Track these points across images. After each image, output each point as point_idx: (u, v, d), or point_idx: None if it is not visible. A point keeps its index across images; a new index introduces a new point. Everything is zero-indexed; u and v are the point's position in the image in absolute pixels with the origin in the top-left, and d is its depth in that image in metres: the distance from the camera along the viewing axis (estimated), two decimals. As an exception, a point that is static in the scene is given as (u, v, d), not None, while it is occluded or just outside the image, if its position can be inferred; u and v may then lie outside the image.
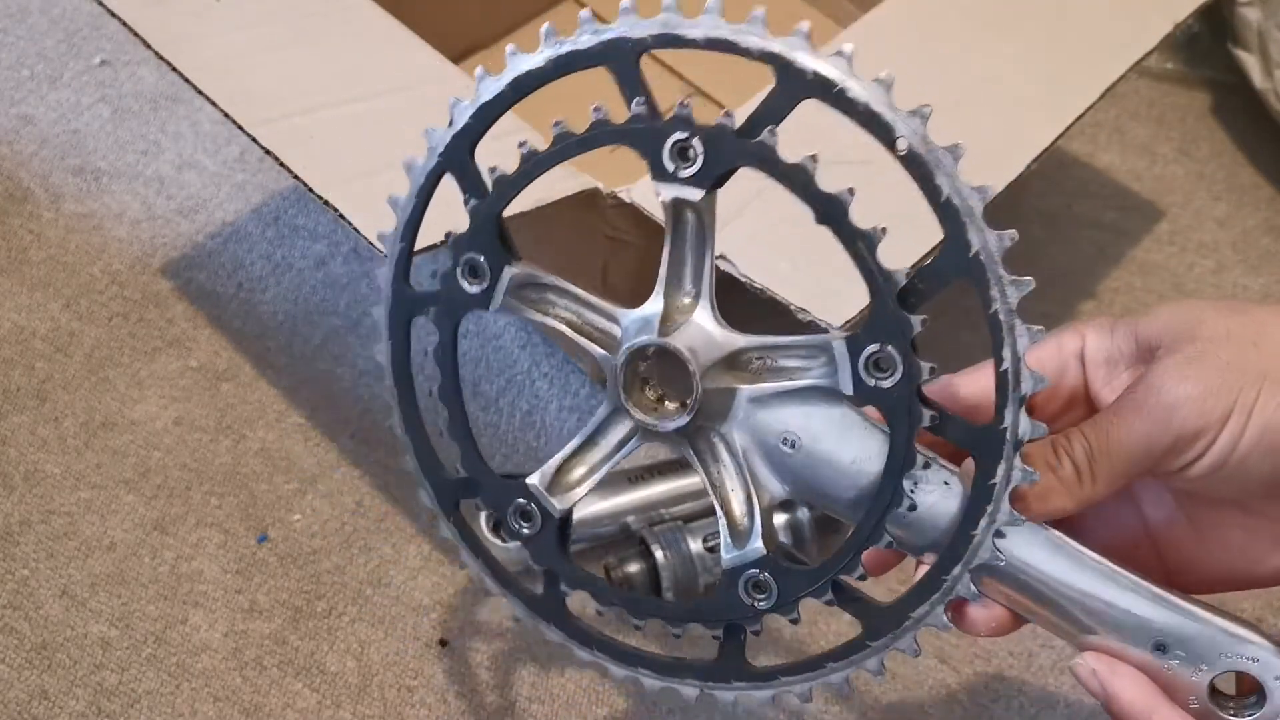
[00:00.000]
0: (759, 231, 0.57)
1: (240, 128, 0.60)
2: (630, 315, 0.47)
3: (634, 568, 0.67)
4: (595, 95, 0.45)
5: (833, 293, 0.55)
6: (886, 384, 0.43)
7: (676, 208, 0.45)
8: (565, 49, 0.45)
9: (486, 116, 0.47)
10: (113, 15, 0.64)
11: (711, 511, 0.70)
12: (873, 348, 0.42)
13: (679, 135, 0.43)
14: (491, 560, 0.54)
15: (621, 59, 0.44)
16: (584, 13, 0.45)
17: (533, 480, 0.50)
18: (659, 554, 0.67)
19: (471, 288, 0.48)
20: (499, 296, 0.48)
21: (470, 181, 0.48)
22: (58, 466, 0.74)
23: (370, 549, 0.72)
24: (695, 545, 0.67)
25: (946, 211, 0.41)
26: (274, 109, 0.62)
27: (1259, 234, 0.90)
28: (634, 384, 0.47)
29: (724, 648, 0.50)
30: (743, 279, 0.56)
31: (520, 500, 0.50)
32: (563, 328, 0.48)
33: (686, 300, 0.46)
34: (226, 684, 0.67)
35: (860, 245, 0.42)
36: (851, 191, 0.42)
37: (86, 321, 0.80)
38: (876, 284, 0.42)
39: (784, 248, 0.57)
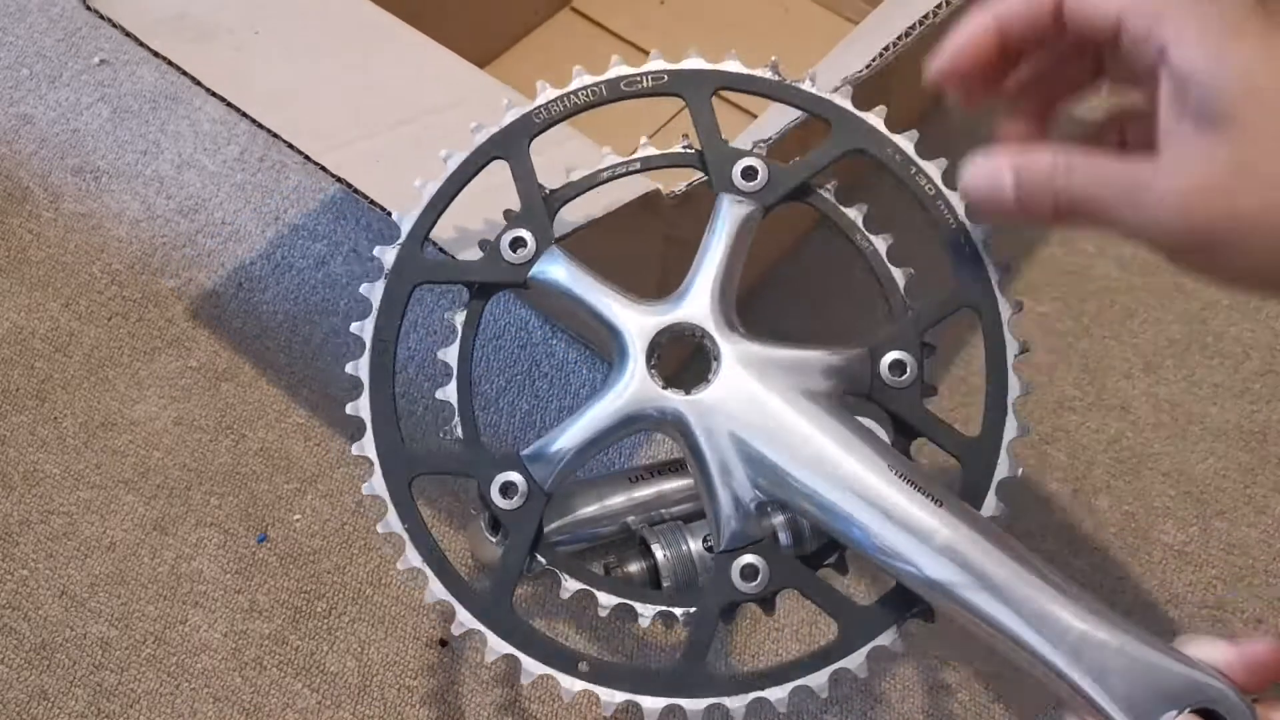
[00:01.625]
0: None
1: (307, 157, 0.59)
2: None
3: (634, 567, 0.67)
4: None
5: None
6: None
7: None
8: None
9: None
10: (156, 55, 0.62)
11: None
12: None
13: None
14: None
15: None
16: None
17: None
18: (659, 553, 0.67)
19: None
20: None
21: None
22: (57, 466, 0.74)
23: (370, 549, 0.72)
24: (695, 545, 0.67)
25: None
26: (336, 135, 0.61)
27: (1259, 234, 0.90)
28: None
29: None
30: None
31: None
32: None
33: None
34: (226, 684, 0.67)
35: None
36: None
37: (86, 321, 0.80)
38: None
39: None
